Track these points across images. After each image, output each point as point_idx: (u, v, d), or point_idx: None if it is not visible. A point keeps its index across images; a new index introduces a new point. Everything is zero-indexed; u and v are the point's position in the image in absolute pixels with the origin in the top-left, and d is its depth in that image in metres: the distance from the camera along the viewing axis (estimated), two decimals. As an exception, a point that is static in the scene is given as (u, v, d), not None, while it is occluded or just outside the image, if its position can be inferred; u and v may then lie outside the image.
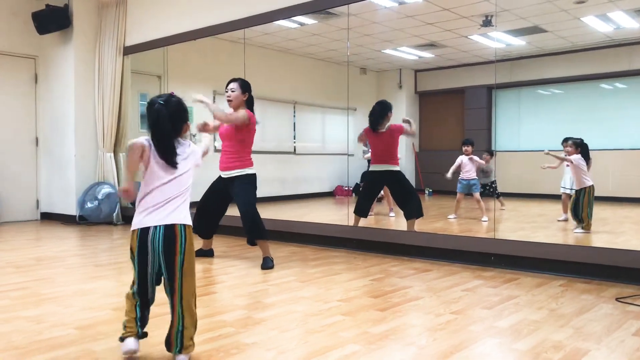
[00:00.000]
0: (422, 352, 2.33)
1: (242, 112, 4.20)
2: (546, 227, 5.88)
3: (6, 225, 6.93)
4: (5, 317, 2.87)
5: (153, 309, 2.35)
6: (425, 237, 4.64)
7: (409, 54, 8.59)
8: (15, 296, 3.33)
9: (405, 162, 8.13)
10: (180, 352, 2.20)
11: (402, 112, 8.52)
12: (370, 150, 5.48)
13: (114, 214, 6.92)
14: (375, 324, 2.71)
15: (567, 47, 7.24)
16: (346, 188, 8.71)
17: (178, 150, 2.26)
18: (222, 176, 4.34)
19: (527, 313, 2.92)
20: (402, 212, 5.08)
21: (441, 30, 7.12)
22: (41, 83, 7.54)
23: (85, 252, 5.13)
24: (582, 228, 5.10)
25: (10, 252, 5.01)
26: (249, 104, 4.33)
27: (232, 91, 4.24)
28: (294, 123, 9.02)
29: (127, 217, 6.94)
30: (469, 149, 6.43)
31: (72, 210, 7.08)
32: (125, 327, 2.26)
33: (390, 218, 6.39)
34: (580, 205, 5.14)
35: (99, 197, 6.80)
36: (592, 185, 5.11)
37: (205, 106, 3.98)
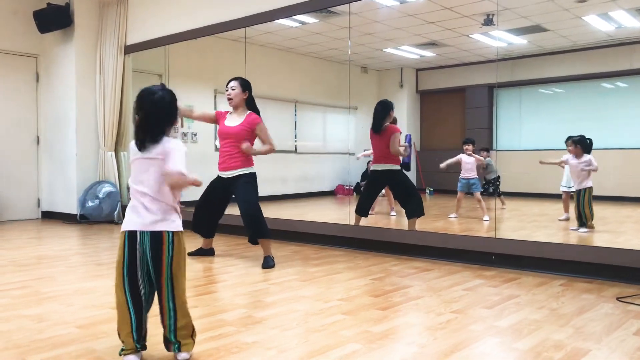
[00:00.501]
0: (423, 351, 2.33)
1: (269, 136, 4.32)
2: (547, 226, 5.88)
3: (7, 224, 6.93)
4: (6, 316, 2.87)
5: (155, 309, 2.35)
6: (426, 237, 4.64)
7: (410, 52, 8.58)
8: (16, 295, 3.33)
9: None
10: (179, 349, 2.20)
11: (404, 111, 8.52)
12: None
13: (115, 213, 6.93)
14: (376, 323, 2.72)
15: (569, 46, 7.23)
16: (347, 187, 8.71)
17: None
18: (222, 176, 4.33)
19: (527, 312, 2.92)
20: (403, 211, 5.08)
21: (442, 29, 7.11)
22: (42, 82, 7.54)
23: (87, 251, 5.14)
24: (586, 227, 5.11)
25: (11, 250, 5.02)
26: (249, 102, 4.33)
27: (233, 89, 4.25)
28: (295, 122, 9.02)
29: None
30: (470, 147, 6.43)
31: (73, 209, 7.09)
32: (122, 342, 2.19)
33: (391, 217, 6.39)
34: (582, 204, 5.15)
35: (100, 195, 6.81)
36: (591, 187, 5.15)
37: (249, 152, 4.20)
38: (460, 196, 6.42)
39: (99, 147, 7.23)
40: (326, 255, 4.71)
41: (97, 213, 6.77)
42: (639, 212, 6.30)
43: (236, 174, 4.27)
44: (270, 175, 7.89)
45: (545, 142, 7.22)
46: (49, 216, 7.53)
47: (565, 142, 5.43)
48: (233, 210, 4.53)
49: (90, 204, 6.80)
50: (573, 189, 5.52)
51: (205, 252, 4.65)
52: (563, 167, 5.48)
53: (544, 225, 5.95)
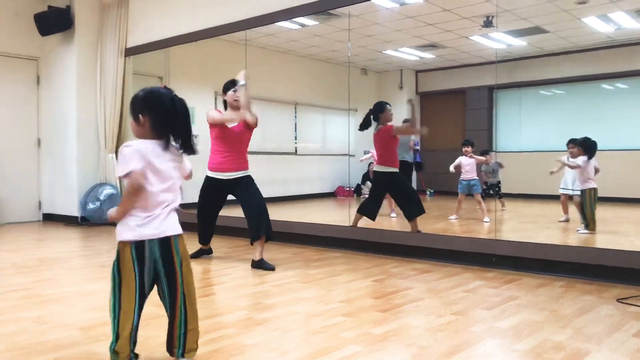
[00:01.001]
0: (424, 352, 2.34)
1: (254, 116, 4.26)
2: (547, 227, 5.89)
3: (8, 227, 6.94)
4: (8, 318, 2.88)
5: (156, 310, 2.36)
6: (426, 238, 4.65)
7: (410, 54, 8.60)
8: (18, 297, 3.34)
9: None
10: (182, 355, 2.15)
11: (403, 113, 8.52)
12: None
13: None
14: (377, 325, 2.72)
15: (568, 48, 7.25)
16: (347, 189, 8.72)
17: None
18: (221, 177, 4.31)
19: (528, 314, 2.92)
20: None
21: (442, 31, 7.13)
22: (43, 84, 7.56)
23: (88, 253, 5.15)
24: (587, 228, 5.11)
25: (12, 253, 5.03)
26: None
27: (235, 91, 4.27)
28: (295, 124, 9.04)
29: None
30: (469, 149, 6.45)
31: (75, 211, 7.10)
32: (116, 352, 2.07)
33: (391, 219, 6.40)
34: (584, 206, 5.15)
35: (101, 198, 6.82)
36: (596, 188, 5.12)
37: (243, 91, 4.10)
38: (460, 198, 6.43)
39: (99, 149, 7.25)
40: (327, 257, 4.72)
41: (98, 215, 6.77)
42: (639, 213, 6.31)
43: (241, 175, 4.29)
44: (271, 176, 7.90)
45: (545, 143, 7.23)
46: (50, 218, 7.54)
47: (567, 144, 5.43)
48: (232, 211, 4.55)
49: (91, 206, 6.82)
50: (571, 191, 5.52)
51: (205, 252, 4.67)
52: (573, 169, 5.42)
53: (544, 227, 5.96)
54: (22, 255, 4.87)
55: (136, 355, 2.12)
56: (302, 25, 6.55)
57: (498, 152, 7.28)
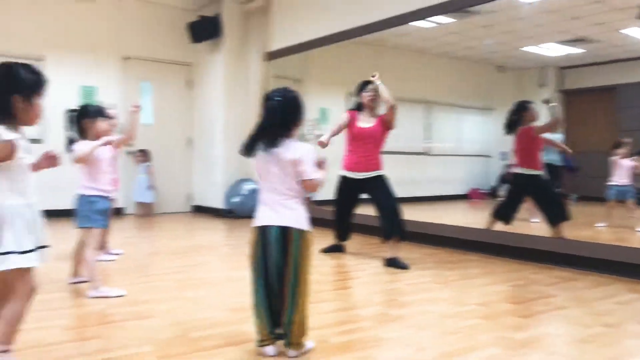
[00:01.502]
0: (569, 362, 2.23)
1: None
2: None
3: (164, 216, 7.73)
4: (170, 297, 3.24)
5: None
6: (570, 245, 4.36)
7: (553, 50, 8.09)
8: (177, 279, 3.73)
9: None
10: (288, 345, 2.24)
11: (543, 112, 8.06)
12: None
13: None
14: (516, 331, 2.64)
15: None
16: (482, 191, 8.44)
17: (282, 147, 2.26)
18: (355, 177, 4.41)
19: (692, 332, 2.65)
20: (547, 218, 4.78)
21: (590, 25, 6.62)
22: (195, 88, 8.29)
23: (233, 243, 5.57)
24: None
25: (169, 240, 5.60)
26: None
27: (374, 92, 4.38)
28: (427, 123, 8.93)
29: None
30: (623, 151, 5.90)
31: (220, 204, 7.70)
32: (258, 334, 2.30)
33: (531, 224, 6.08)
34: None
35: (244, 192, 7.33)
36: None
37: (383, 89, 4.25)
38: (612, 204, 5.91)
39: (242, 147, 7.76)
40: (461, 259, 4.64)
41: (242, 208, 7.28)
42: None
43: (374, 175, 4.37)
44: (401, 177, 7.90)
45: None
46: (199, 210, 8.25)
47: None
48: (365, 209, 4.64)
49: (235, 199, 7.35)
50: None
51: (338, 249, 4.80)
52: None
53: None
54: (177, 242, 5.41)
55: (278, 335, 2.28)
56: (438, 23, 6.47)
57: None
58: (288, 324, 2.22)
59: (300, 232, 2.24)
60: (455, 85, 8.89)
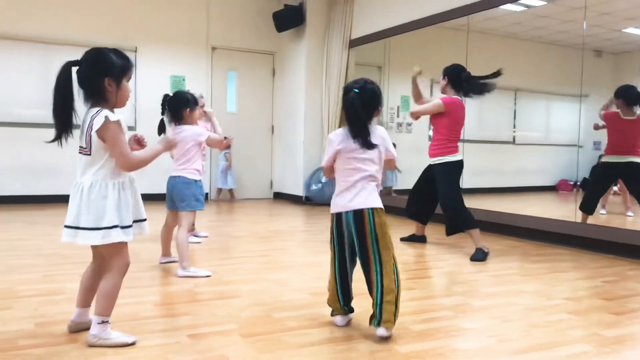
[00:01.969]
0: (668, 364, 2.10)
1: (430, 103, 4.35)
2: None
3: (246, 202, 7.98)
4: (254, 278, 3.36)
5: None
6: (671, 241, 4.06)
7: (657, 31, 7.47)
8: (260, 261, 3.86)
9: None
10: (378, 324, 2.25)
11: None
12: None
13: (335, 197, 7.46)
14: (609, 327, 2.51)
15: None
16: (572, 182, 8.00)
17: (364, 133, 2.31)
18: (430, 163, 4.42)
19: None
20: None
21: None
22: (277, 76, 8.46)
23: (312, 229, 5.66)
24: None
25: (252, 224, 5.79)
26: (456, 85, 4.34)
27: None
28: (515, 111, 8.57)
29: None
30: None
31: (300, 191, 7.84)
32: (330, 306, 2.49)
33: (627, 217, 5.71)
34: None
35: (323, 180, 7.41)
36: None
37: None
38: None
39: (323, 136, 7.85)
40: (547, 252, 4.45)
41: (320, 196, 7.38)
42: None
43: (437, 162, 4.30)
44: (486, 166, 7.67)
45: None
46: (279, 197, 8.45)
47: None
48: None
49: (314, 187, 7.45)
50: None
51: (418, 239, 4.75)
52: None
53: None
54: (260, 227, 5.58)
55: (350, 309, 2.47)
56: (528, 6, 6.17)
57: None
58: (377, 304, 2.26)
59: (375, 211, 2.29)
60: (545, 71, 8.46)
